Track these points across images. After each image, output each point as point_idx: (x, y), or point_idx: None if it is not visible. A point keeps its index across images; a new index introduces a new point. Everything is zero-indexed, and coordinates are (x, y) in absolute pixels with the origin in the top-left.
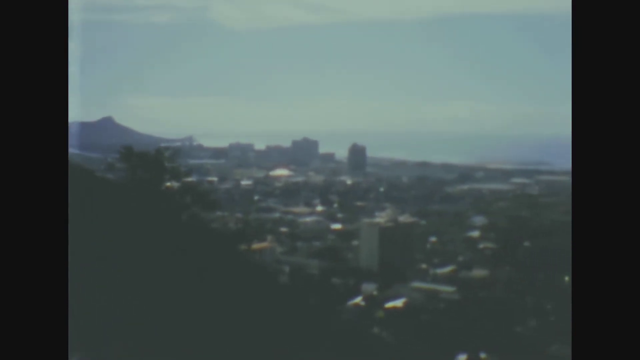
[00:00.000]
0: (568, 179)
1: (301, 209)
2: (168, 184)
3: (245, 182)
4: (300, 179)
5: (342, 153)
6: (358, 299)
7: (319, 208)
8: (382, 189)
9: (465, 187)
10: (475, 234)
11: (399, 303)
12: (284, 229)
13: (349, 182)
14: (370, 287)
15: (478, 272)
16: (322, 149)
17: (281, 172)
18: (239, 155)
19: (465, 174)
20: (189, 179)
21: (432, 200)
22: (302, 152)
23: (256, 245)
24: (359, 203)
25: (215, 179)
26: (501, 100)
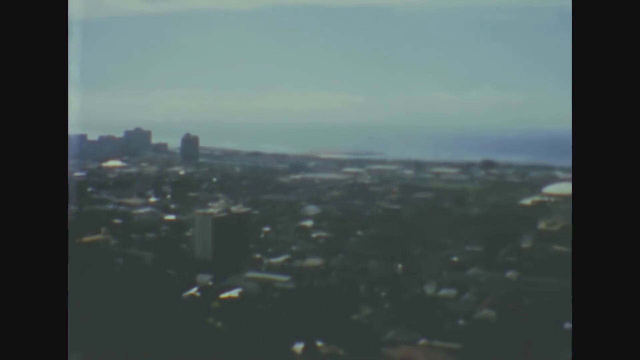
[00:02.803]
0: (398, 167)
1: (135, 200)
2: None
3: (78, 174)
4: (133, 170)
5: (175, 143)
6: (193, 290)
7: (153, 199)
8: (215, 179)
9: (298, 176)
10: (309, 223)
11: (234, 293)
12: (117, 221)
13: (181, 172)
14: (205, 278)
15: (312, 261)
16: (155, 140)
17: (114, 163)
18: (71, 147)
19: (298, 163)
20: None
21: (265, 190)
22: (135, 142)
23: (90, 238)
24: (192, 194)
25: None
26: (335, 90)
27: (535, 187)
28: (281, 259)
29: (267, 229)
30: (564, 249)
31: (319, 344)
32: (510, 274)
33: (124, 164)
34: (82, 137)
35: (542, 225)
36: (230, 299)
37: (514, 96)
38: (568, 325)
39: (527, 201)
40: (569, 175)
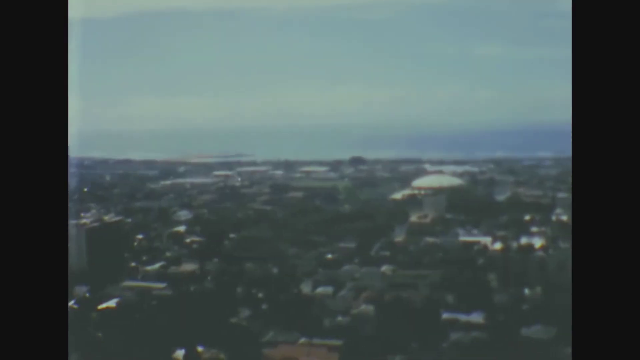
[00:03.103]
0: (268, 168)
1: None
2: None
3: None
4: None
5: None
6: (71, 303)
7: None
8: (86, 189)
9: (169, 182)
10: (182, 228)
11: (112, 304)
12: None
13: None
14: (82, 290)
15: (187, 267)
16: None
17: None
18: None
19: (168, 169)
20: None
21: (136, 197)
22: None
23: None
24: None
25: None
26: (199, 94)
27: (404, 181)
28: (157, 265)
29: (140, 236)
30: (436, 240)
31: (200, 349)
32: (385, 268)
33: None
34: None
35: (413, 218)
36: (108, 309)
37: (380, 94)
38: (446, 315)
39: (398, 195)
40: (437, 168)
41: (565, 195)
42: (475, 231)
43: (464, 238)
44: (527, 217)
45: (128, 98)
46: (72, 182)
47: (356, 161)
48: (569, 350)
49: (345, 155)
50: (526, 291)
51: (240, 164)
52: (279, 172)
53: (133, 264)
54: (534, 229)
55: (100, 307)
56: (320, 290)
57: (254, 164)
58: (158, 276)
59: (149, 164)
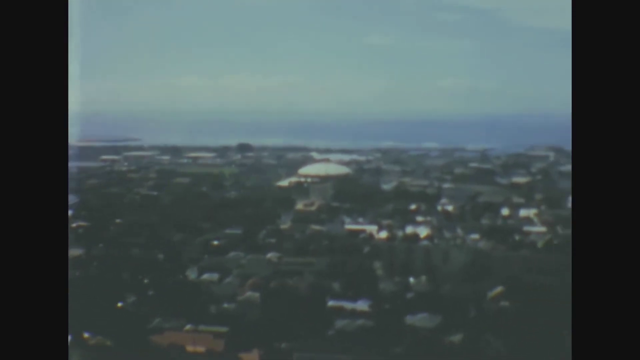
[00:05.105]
0: (155, 153)
1: None
2: None
3: None
4: None
5: None
6: None
7: None
8: None
9: None
10: (68, 213)
11: None
12: None
13: None
14: None
15: (73, 252)
16: None
17: None
18: None
19: None
20: None
21: None
22: None
23: None
24: None
25: None
26: (87, 77)
27: (291, 168)
28: None
29: None
30: (322, 228)
31: (86, 335)
32: (270, 255)
33: None
34: None
35: (299, 205)
36: None
37: (268, 81)
38: (332, 303)
39: (284, 182)
40: (324, 156)
41: (450, 185)
42: (361, 219)
43: (349, 226)
44: (413, 207)
45: None
46: None
47: (243, 148)
48: (453, 338)
49: (233, 141)
50: (411, 280)
51: (127, 148)
52: (165, 158)
53: None
54: (420, 218)
55: None
56: (206, 276)
57: (141, 148)
58: None
59: None
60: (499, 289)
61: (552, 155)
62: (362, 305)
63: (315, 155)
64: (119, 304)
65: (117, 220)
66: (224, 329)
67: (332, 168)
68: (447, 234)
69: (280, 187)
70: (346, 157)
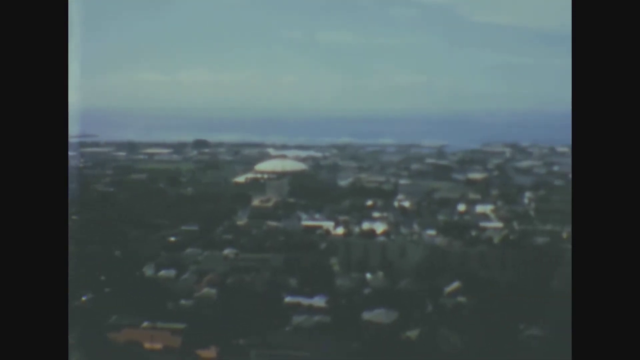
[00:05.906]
0: (111, 150)
1: None
2: None
3: None
4: None
5: None
6: None
7: None
8: None
9: None
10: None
11: None
12: None
13: None
14: None
15: None
16: None
17: None
18: None
19: None
20: None
21: None
22: None
23: None
24: None
25: None
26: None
27: (247, 164)
28: None
29: None
30: (278, 224)
31: None
32: (227, 251)
33: None
34: None
35: (256, 202)
36: None
37: (224, 77)
38: (289, 299)
39: (241, 179)
40: (281, 152)
41: (407, 181)
42: (317, 215)
43: (306, 222)
44: (369, 203)
45: None
46: None
47: (199, 144)
48: (410, 333)
49: (189, 137)
50: (368, 276)
51: (83, 144)
52: (121, 154)
53: None
54: (376, 214)
55: None
56: (163, 273)
57: (97, 144)
58: None
59: None
60: (455, 285)
61: (507, 151)
62: (319, 302)
63: (271, 151)
64: (76, 302)
65: (74, 217)
66: (181, 326)
67: (288, 164)
68: (403, 230)
69: (237, 184)
70: (303, 153)
